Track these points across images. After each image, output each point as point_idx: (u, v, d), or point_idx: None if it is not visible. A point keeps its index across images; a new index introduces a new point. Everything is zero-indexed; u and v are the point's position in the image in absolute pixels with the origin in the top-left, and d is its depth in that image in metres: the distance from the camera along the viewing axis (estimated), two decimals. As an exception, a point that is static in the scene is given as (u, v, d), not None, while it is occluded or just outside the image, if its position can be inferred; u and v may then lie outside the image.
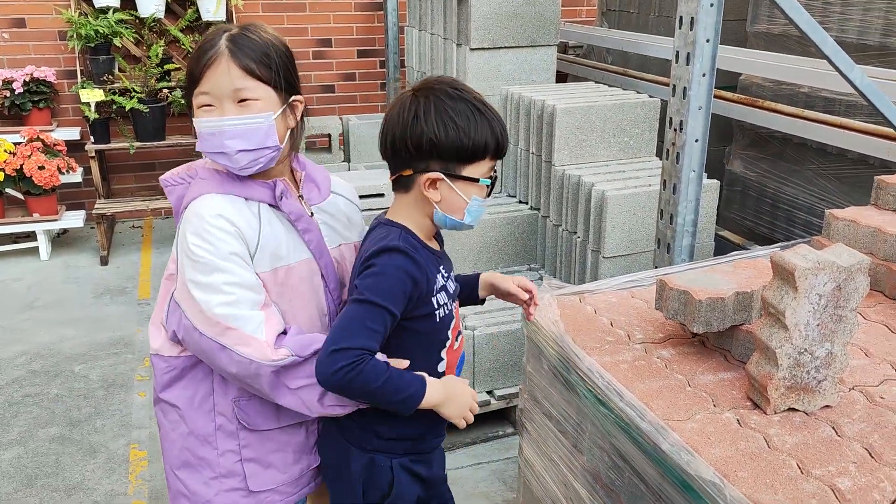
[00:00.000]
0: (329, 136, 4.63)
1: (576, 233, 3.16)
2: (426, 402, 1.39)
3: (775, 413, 1.43)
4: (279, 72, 1.41)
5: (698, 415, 1.44)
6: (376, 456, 1.49)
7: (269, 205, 1.46)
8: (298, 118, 1.50)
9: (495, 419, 3.01)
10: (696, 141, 2.28)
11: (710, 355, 1.67)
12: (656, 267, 2.48)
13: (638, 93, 3.59)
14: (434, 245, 1.51)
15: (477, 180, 1.40)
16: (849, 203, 3.36)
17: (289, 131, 1.47)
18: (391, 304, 1.34)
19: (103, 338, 3.69)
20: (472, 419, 1.48)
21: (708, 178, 3.16)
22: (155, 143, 4.75)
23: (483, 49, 3.82)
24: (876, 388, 1.51)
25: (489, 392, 2.98)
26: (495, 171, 1.45)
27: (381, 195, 3.48)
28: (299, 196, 1.53)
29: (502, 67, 3.88)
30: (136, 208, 4.75)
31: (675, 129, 2.30)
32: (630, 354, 1.67)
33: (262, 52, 1.39)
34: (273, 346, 1.37)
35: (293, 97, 1.46)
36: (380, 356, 1.37)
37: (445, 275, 1.50)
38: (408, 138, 1.36)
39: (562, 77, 5.13)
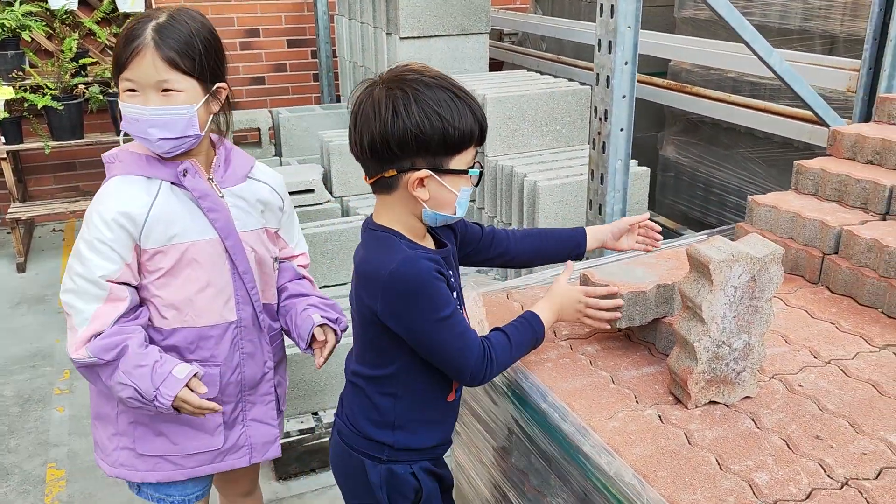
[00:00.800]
0: (259, 129, 4.49)
1: (510, 224, 3.13)
2: (549, 326, 1.48)
3: (696, 407, 1.42)
4: (203, 62, 1.46)
5: (620, 413, 1.41)
6: (393, 466, 1.45)
7: (173, 183, 1.51)
8: (222, 102, 1.55)
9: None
10: (622, 130, 2.26)
11: (635, 349, 1.65)
12: (586, 259, 2.46)
13: (570, 81, 3.57)
14: (429, 244, 1.43)
15: (466, 171, 1.33)
16: (777, 186, 3.41)
17: (211, 116, 1.53)
18: (451, 304, 1.33)
19: (19, 350, 3.50)
20: (601, 314, 1.51)
21: (641, 164, 3.16)
22: (73, 142, 4.53)
23: (413, 38, 3.75)
24: (795, 376, 1.51)
25: None
26: (479, 162, 1.39)
27: (312, 191, 3.39)
28: (209, 178, 1.57)
29: (433, 56, 3.82)
30: (55, 211, 4.53)
31: (601, 119, 2.27)
32: (556, 352, 1.63)
33: (186, 43, 1.44)
34: (84, 343, 1.45)
35: (217, 84, 1.52)
36: (489, 336, 1.42)
37: (450, 274, 1.41)
38: (389, 136, 1.26)
39: (497, 65, 5.09)
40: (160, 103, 1.44)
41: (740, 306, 1.37)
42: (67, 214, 4.63)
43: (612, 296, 1.52)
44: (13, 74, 4.40)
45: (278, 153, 4.53)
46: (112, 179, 1.51)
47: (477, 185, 1.40)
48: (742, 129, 3.50)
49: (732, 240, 2.14)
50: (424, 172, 1.29)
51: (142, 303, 1.55)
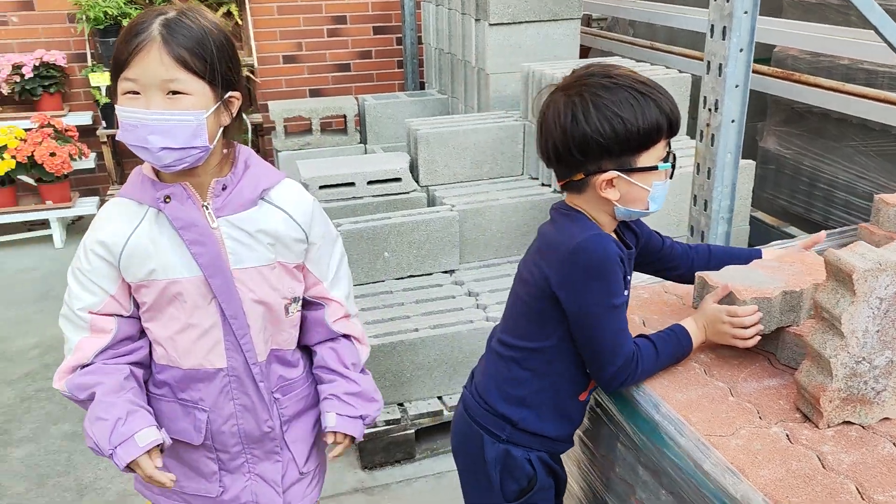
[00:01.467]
0: (345, 116, 4.50)
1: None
2: (697, 343, 1.45)
3: (828, 427, 1.30)
4: (216, 64, 1.27)
5: (743, 429, 1.31)
6: (511, 448, 1.44)
7: (161, 208, 1.33)
8: (234, 115, 1.35)
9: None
10: (733, 122, 2.13)
11: (753, 359, 1.53)
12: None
13: (667, 68, 3.41)
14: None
15: (655, 167, 1.32)
16: (892, 182, 3.18)
17: (221, 129, 1.33)
18: (622, 295, 1.34)
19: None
20: (747, 333, 1.43)
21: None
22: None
23: (503, 24, 3.66)
24: (940, 398, 1.37)
25: (440, 398, 2.73)
26: (671, 149, 1.36)
27: (399, 179, 3.36)
28: (205, 205, 1.35)
29: (523, 43, 3.73)
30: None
31: (710, 109, 2.14)
32: (665, 358, 1.54)
33: (197, 41, 1.26)
34: (66, 374, 1.37)
35: (229, 93, 1.32)
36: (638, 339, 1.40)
37: (626, 271, 1.40)
38: (571, 143, 1.29)
39: (584, 52, 4.94)
40: (165, 107, 1.24)
41: (885, 320, 1.24)
42: (160, 198, 4.75)
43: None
44: (113, 61, 4.55)
45: (363, 140, 4.53)
46: (107, 202, 1.40)
47: (671, 177, 1.37)
48: (854, 121, 3.27)
49: (853, 241, 1.98)
50: (612, 174, 1.30)
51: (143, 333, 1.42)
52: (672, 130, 1.32)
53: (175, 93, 1.25)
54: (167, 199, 1.32)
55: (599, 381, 1.42)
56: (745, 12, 2.02)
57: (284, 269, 1.41)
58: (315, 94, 5.32)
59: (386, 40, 5.40)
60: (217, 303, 1.35)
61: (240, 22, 4.90)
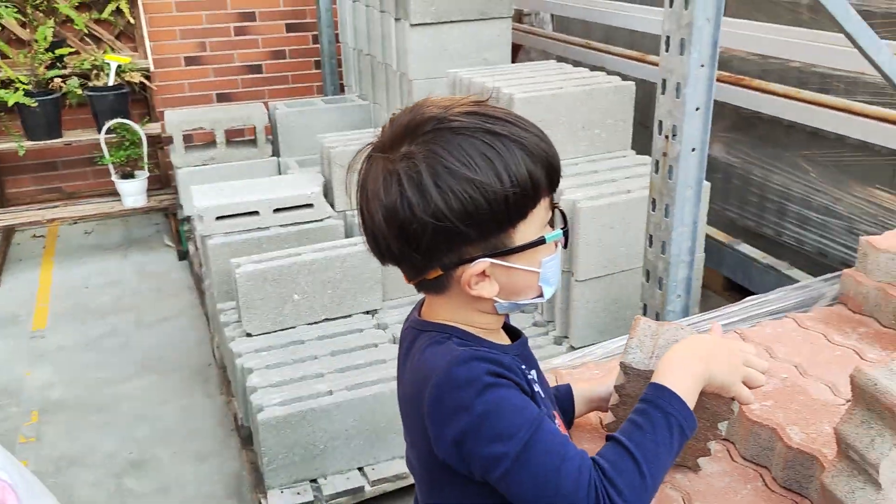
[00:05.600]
0: (254, 127, 4.02)
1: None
2: (690, 391, 0.92)
3: None
4: None
5: None
6: None
7: None
8: None
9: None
10: (694, 150, 1.79)
11: (743, 477, 1.20)
12: (644, 305, 2.00)
13: (607, 72, 3.09)
14: (503, 339, 1.00)
15: (542, 240, 0.91)
16: (849, 195, 2.94)
17: None
18: (528, 420, 0.85)
19: (-19, 385, 3.09)
20: (757, 376, 0.98)
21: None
22: (50, 142, 4.08)
23: (426, 24, 3.27)
24: None
25: (360, 470, 2.32)
26: (557, 206, 0.95)
27: (310, 206, 2.94)
28: None
29: (449, 45, 3.34)
30: (31, 219, 4.10)
31: (667, 136, 1.80)
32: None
33: None
34: None
35: None
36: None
37: (533, 376, 0.98)
38: (406, 235, 0.87)
39: (515, 48, 4.60)
40: None
41: (933, 462, 0.91)
42: (43, 221, 4.19)
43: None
44: (-21, 68, 3.96)
45: (276, 152, 4.07)
46: None
47: (566, 247, 0.97)
48: (809, 128, 3.01)
49: (841, 294, 1.68)
50: (482, 264, 0.89)
51: None
52: (553, 182, 0.91)
53: None
54: None
55: None
56: (708, 20, 1.69)
57: None
58: (224, 98, 4.82)
59: (301, 39, 4.93)
60: None
61: (132, 20, 4.36)
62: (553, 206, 0.94)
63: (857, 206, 2.91)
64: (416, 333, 0.97)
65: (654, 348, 1.04)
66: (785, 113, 2.93)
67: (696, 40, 1.69)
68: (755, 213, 3.40)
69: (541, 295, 0.95)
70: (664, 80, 1.78)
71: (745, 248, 3.18)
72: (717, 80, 3.14)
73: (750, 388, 0.97)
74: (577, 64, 3.68)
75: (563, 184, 2.51)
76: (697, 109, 1.76)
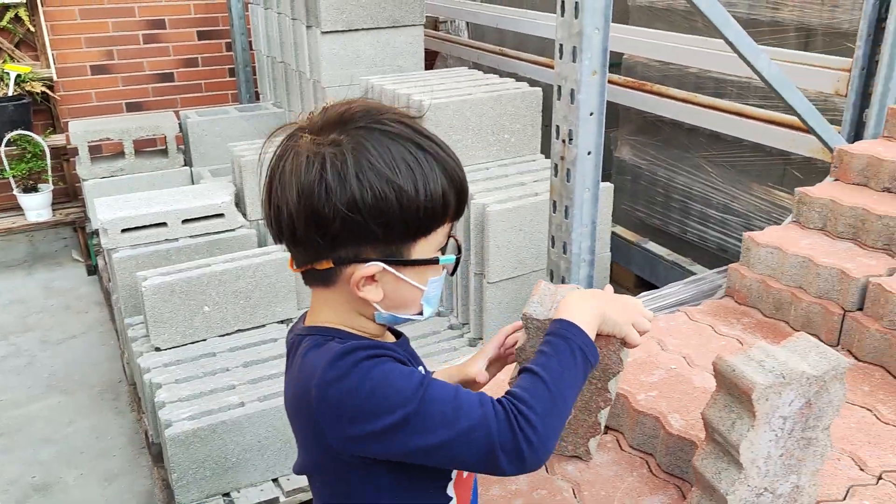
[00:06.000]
0: (164, 136, 3.92)
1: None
2: (591, 328, 0.98)
3: (728, 572, 1.03)
4: None
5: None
6: None
7: None
8: None
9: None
10: (589, 154, 1.86)
11: (630, 465, 1.25)
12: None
13: (517, 79, 3.15)
14: (388, 339, 1.01)
15: (436, 260, 0.92)
16: (747, 194, 3.09)
17: None
18: (424, 377, 0.88)
19: None
20: (644, 322, 1.04)
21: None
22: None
23: (337, 32, 3.26)
24: (846, 507, 1.14)
25: (275, 481, 2.30)
26: (455, 237, 0.96)
27: (221, 216, 2.89)
28: None
29: (362, 53, 3.35)
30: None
31: (564, 141, 1.86)
32: (526, 482, 1.22)
33: None
34: None
35: None
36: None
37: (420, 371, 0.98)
38: (314, 217, 0.86)
39: (432, 55, 4.64)
40: None
41: (789, 441, 0.98)
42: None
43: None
44: None
45: (188, 162, 3.98)
46: None
47: (453, 274, 0.98)
48: (706, 130, 3.16)
49: (727, 287, 1.77)
50: (375, 267, 0.89)
51: None
52: (459, 210, 0.93)
53: None
54: None
55: (502, 470, 0.89)
56: (597, 29, 1.75)
57: None
58: (134, 108, 4.68)
59: (214, 46, 4.84)
60: None
61: (32, 28, 4.19)
62: (450, 235, 0.96)
63: (753, 203, 3.06)
64: (300, 339, 0.97)
65: (553, 303, 1.10)
66: (684, 116, 3.05)
67: (587, 48, 1.75)
68: (661, 212, 3.53)
69: (420, 313, 0.96)
70: (559, 87, 1.84)
71: (652, 246, 3.31)
72: (623, 85, 3.30)
73: (639, 332, 1.03)
74: (491, 70, 3.75)
75: (473, 188, 2.56)
76: (591, 114, 1.82)
